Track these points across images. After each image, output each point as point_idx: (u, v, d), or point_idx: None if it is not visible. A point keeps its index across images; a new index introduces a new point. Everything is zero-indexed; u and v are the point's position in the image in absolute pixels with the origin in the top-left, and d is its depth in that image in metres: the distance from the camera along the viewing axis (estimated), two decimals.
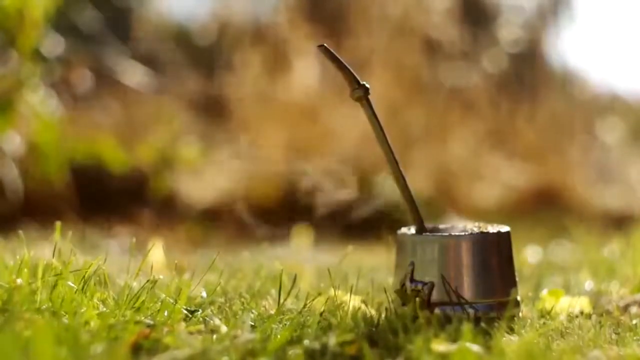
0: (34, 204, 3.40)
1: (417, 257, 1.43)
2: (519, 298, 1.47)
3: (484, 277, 1.42)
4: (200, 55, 4.87)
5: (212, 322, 1.32)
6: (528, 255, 2.48)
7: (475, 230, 1.47)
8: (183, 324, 1.31)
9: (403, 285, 1.43)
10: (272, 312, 1.41)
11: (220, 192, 3.97)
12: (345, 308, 1.43)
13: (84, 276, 1.41)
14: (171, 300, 1.36)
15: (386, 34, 4.53)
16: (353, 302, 1.47)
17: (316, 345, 1.21)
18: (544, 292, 1.66)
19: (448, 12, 4.62)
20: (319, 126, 4.24)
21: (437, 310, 1.40)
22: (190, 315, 1.37)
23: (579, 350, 1.25)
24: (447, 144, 4.49)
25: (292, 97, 4.28)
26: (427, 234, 1.47)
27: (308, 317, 1.35)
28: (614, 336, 1.39)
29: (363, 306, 1.48)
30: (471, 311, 1.39)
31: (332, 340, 1.21)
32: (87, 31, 4.10)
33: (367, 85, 1.43)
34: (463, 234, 1.43)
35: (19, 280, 1.34)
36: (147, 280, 1.42)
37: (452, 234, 1.45)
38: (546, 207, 4.35)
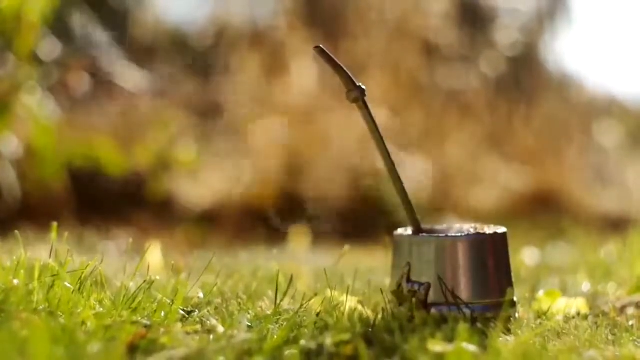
0: (31, 207, 3.40)
1: (414, 258, 1.43)
2: (515, 299, 1.47)
3: (480, 278, 1.42)
4: (198, 58, 4.87)
5: (208, 322, 1.32)
6: (525, 257, 2.48)
7: (472, 231, 1.47)
8: (180, 324, 1.31)
9: (400, 285, 1.43)
10: (269, 312, 1.41)
11: (218, 194, 3.97)
12: (342, 309, 1.43)
13: (80, 277, 1.41)
14: (168, 301, 1.36)
15: (384, 36, 4.54)
16: (350, 302, 1.47)
17: (312, 345, 1.21)
18: (541, 293, 1.66)
19: (446, 15, 4.63)
20: (317, 129, 4.24)
21: (433, 311, 1.40)
22: (187, 316, 1.37)
23: (575, 350, 1.26)
24: (444, 146, 4.49)
25: (289, 100, 4.29)
26: (424, 234, 1.47)
27: (304, 318, 1.35)
28: (610, 337, 1.39)
29: (360, 307, 1.48)
30: (467, 312, 1.39)
31: (329, 340, 1.22)
32: (84, 34, 4.10)
33: (364, 87, 1.43)
34: (459, 234, 1.43)
35: (15, 281, 1.34)
36: (144, 281, 1.42)
37: (449, 234, 1.45)
38: (543, 210, 4.35)
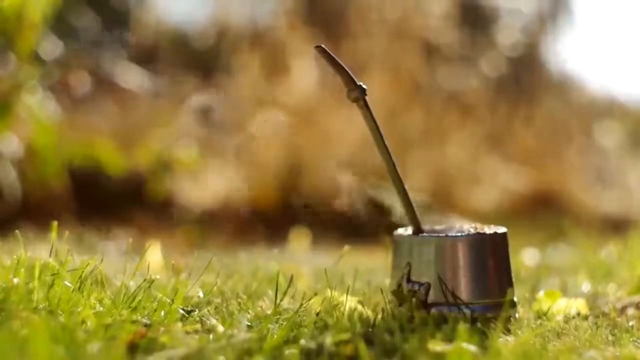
0: (32, 207, 3.40)
1: (414, 258, 1.43)
2: (515, 299, 1.47)
3: (480, 278, 1.42)
4: (199, 58, 4.87)
5: (208, 321, 1.32)
6: (525, 257, 2.48)
7: (472, 231, 1.47)
8: (179, 323, 1.31)
9: (400, 285, 1.43)
10: (269, 312, 1.41)
11: (218, 194, 3.97)
12: (342, 309, 1.43)
13: (80, 276, 1.41)
14: (168, 300, 1.36)
15: (385, 37, 4.53)
16: (350, 302, 1.47)
17: (312, 344, 1.21)
18: (541, 294, 1.66)
19: (447, 16, 4.63)
20: (317, 129, 4.24)
21: (433, 311, 1.40)
22: (187, 315, 1.37)
23: (575, 350, 1.26)
24: (445, 146, 4.49)
25: (290, 100, 4.29)
26: (424, 234, 1.47)
27: (304, 317, 1.35)
28: (610, 337, 1.39)
29: (359, 307, 1.47)
30: (467, 312, 1.39)
31: (328, 340, 1.21)
32: (85, 34, 4.10)
33: (364, 86, 1.43)
34: (459, 234, 1.43)
35: (15, 280, 1.34)
36: (144, 280, 1.42)
37: (449, 234, 1.45)
38: (544, 210, 4.35)
